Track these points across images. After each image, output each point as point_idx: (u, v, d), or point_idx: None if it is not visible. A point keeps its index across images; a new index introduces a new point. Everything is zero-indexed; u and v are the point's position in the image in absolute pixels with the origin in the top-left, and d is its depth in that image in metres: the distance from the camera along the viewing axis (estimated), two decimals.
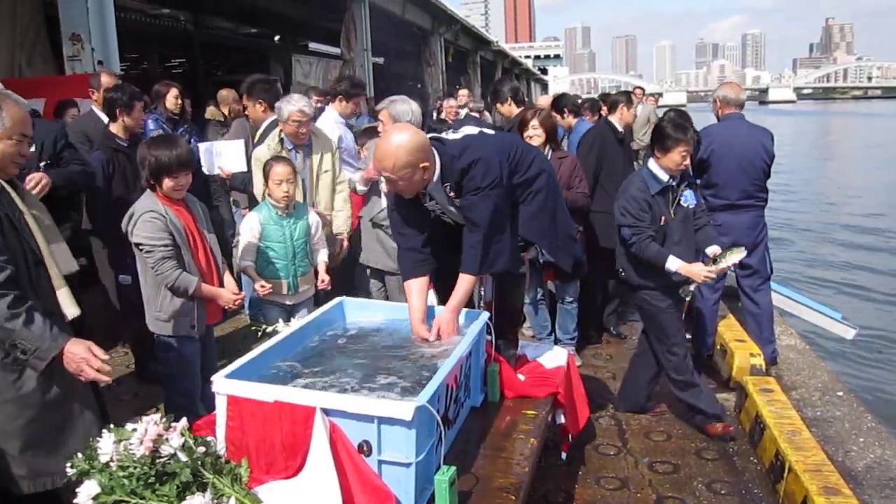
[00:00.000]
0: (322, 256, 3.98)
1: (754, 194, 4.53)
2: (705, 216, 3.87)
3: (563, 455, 3.43)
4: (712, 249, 3.71)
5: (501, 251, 2.87)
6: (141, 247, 3.06)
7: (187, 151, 3.19)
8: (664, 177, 3.66)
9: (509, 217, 2.92)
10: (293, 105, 4.23)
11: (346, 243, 4.61)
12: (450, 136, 2.96)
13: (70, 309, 2.41)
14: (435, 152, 2.81)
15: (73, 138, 4.34)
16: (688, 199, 3.72)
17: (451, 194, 2.88)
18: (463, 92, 9.99)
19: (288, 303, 3.81)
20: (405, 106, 4.15)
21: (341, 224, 4.58)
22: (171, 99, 6.01)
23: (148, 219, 3.02)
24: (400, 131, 2.77)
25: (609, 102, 5.72)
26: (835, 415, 3.96)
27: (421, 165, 2.73)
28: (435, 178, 2.84)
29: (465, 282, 2.88)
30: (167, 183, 3.08)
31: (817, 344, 5.96)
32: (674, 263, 3.58)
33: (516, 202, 3.02)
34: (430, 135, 2.87)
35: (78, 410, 2.42)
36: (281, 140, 4.35)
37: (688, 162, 3.63)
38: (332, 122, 5.05)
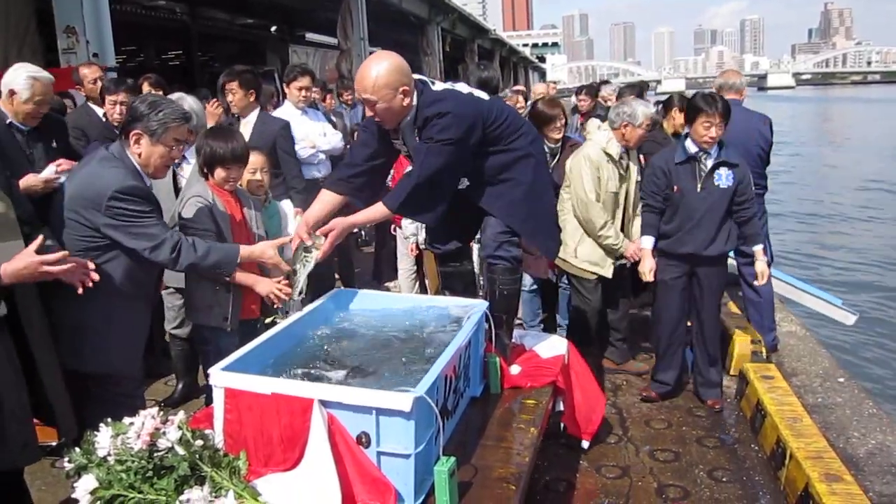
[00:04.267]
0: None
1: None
2: (754, 206, 3.84)
3: (585, 444, 3.40)
4: (756, 248, 3.84)
5: (429, 208, 2.84)
6: (184, 227, 3.04)
7: (243, 146, 3.20)
8: (693, 149, 3.73)
9: (455, 181, 2.85)
10: None
11: None
12: (435, 85, 2.90)
13: None
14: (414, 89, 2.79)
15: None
16: (721, 177, 3.72)
17: (417, 139, 2.84)
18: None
19: None
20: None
21: None
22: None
23: (194, 203, 3.06)
24: (381, 56, 2.75)
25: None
26: (836, 401, 3.97)
27: (401, 88, 2.70)
28: (409, 117, 2.81)
29: (376, 209, 2.89)
30: (219, 173, 3.13)
31: (815, 330, 5.94)
32: (645, 242, 3.90)
33: (487, 178, 2.93)
34: (415, 75, 2.83)
35: None
36: None
37: (713, 134, 3.63)
38: None
